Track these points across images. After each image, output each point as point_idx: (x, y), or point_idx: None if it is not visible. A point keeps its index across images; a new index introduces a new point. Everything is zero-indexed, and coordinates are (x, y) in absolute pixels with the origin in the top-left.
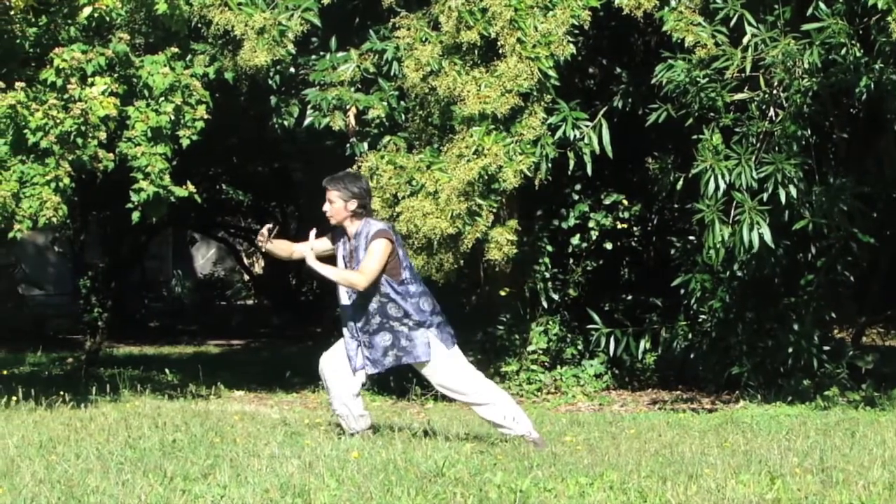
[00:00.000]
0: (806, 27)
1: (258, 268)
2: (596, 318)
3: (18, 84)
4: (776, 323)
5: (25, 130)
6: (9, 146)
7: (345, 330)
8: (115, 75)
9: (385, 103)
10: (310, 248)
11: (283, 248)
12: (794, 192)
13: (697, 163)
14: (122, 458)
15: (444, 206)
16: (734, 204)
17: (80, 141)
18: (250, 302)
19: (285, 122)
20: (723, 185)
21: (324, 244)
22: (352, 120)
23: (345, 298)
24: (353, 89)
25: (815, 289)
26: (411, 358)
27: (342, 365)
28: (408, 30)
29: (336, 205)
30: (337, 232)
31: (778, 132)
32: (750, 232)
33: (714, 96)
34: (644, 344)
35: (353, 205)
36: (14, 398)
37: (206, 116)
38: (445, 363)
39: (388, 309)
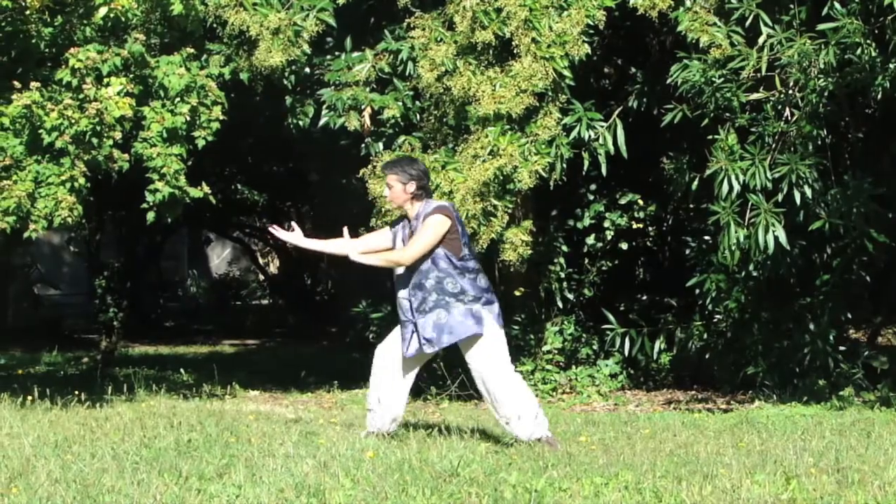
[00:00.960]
0: (821, 27)
1: (273, 268)
2: (611, 318)
3: (34, 84)
4: (792, 323)
5: (41, 130)
6: (24, 146)
7: (400, 314)
8: (131, 76)
9: (400, 103)
10: (352, 247)
11: (317, 246)
12: (809, 192)
13: (711, 163)
14: (137, 457)
15: (459, 206)
16: (749, 205)
17: (95, 141)
18: (265, 302)
19: (300, 122)
20: (737, 186)
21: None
22: (367, 120)
23: (401, 282)
24: (368, 89)
25: (830, 289)
26: (466, 332)
27: (394, 360)
28: (423, 30)
29: (395, 189)
30: (395, 221)
31: (793, 132)
32: (765, 234)
33: (729, 96)
34: (659, 344)
35: (412, 187)
36: (30, 398)
37: (221, 117)
38: (492, 343)
39: (445, 285)
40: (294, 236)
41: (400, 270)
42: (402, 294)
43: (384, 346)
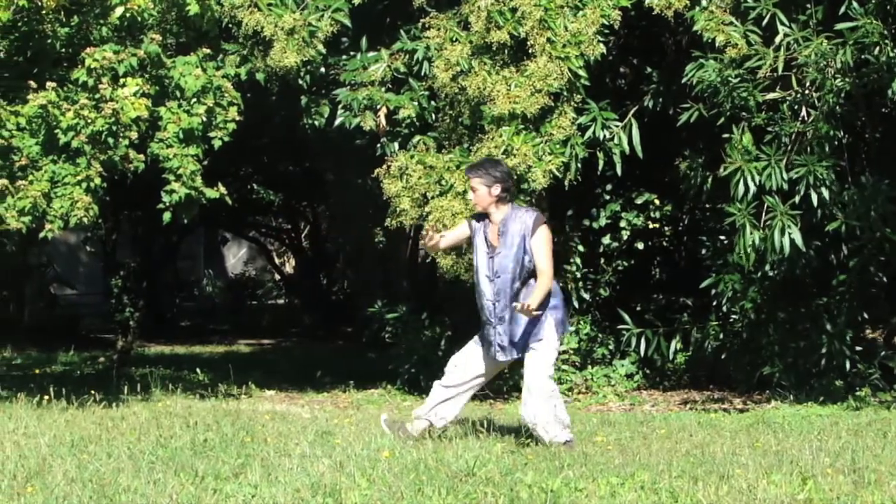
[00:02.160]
0: (839, 26)
1: (289, 267)
2: (626, 318)
3: (50, 84)
4: (808, 323)
5: (57, 130)
6: (40, 146)
7: (483, 317)
8: (147, 76)
9: (416, 103)
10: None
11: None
12: (826, 194)
13: (727, 164)
14: (153, 457)
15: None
16: (765, 207)
17: (111, 141)
18: (281, 301)
19: (316, 122)
20: (753, 187)
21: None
22: (382, 120)
23: (486, 284)
24: (383, 89)
25: (847, 289)
26: (536, 339)
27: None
28: (438, 30)
29: (480, 192)
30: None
31: (810, 133)
32: (782, 236)
33: (745, 96)
34: (675, 344)
35: (497, 189)
36: (46, 397)
37: (237, 118)
38: (549, 348)
39: (531, 291)
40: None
41: (483, 273)
42: (488, 298)
43: (461, 359)
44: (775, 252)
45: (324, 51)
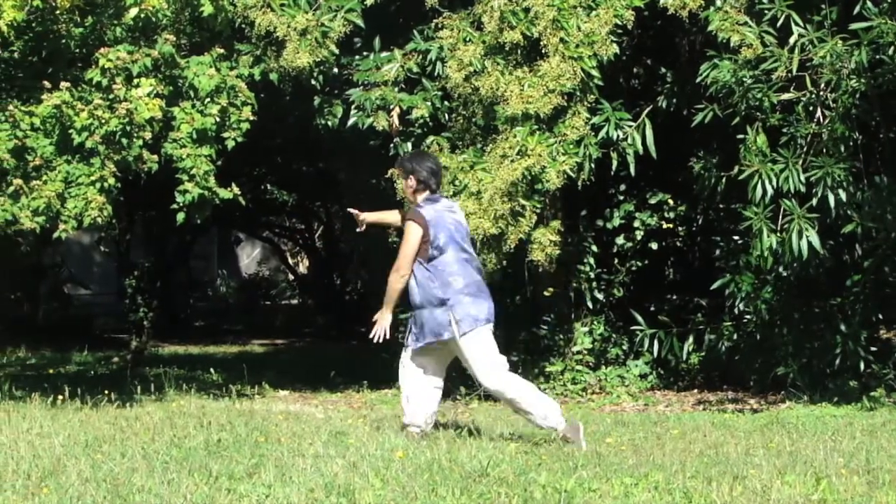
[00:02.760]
0: (853, 27)
1: (303, 268)
2: (640, 319)
3: (63, 84)
4: (822, 323)
5: (71, 130)
6: (54, 146)
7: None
8: (161, 76)
9: (429, 103)
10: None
11: (382, 218)
12: (843, 195)
13: (744, 166)
14: (167, 457)
15: (488, 206)
16: (782, 210)
17: (124, 141)
18: (295, 302)
19: (329, 123)
20: (770, 190)
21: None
22: (395, 120)
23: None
24: (396, 89)
25: (861, 289)
26: (439, 335)
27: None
28: (451, 30)
29: (403, 183)
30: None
31: (825, 134)
32: (799, 239)
33: (760, 96)
34: (688, 345)
35: (411, 182)
36: (60, 397)
37: (251, 118)
38: (468, 343)
39: (416, 288)
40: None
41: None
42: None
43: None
44: (793, 255)
45: (336, 51)
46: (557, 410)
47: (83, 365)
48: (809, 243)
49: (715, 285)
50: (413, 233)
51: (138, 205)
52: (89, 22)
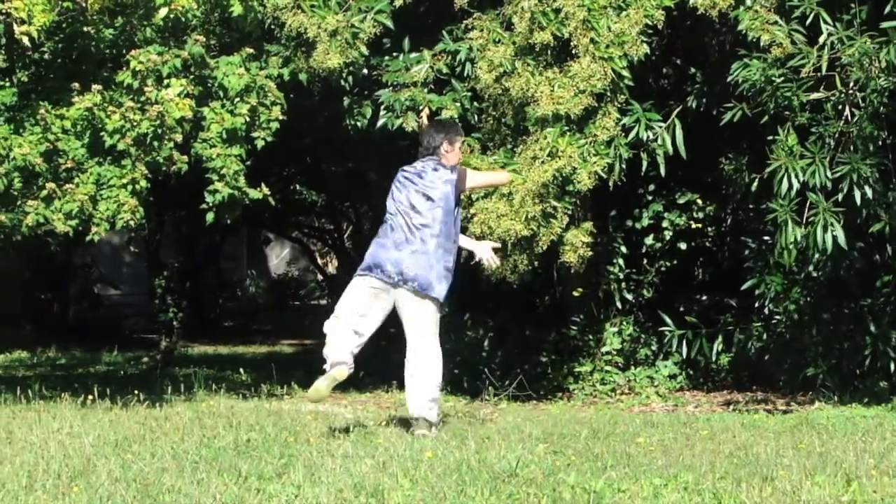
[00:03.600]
0: (883, 25)
1: (332, 268)
2: (668, 320)
3: (95, 87)
4: (852, 324)
5: (102, 133)
6: (85, 148)
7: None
8: (191, 77)
9: (458, 104)
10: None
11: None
12: (869, 192)
13: (771, 162)
14: (196, 457)
15: (519, 207)
16: (808, 204)
17: (156, 143)
18: (324, 302)
19: (358, 124)
20: (796, 185)
21: None
22: (425, 121)
23: None
24: (426, 90)
25: (891, 290)
26: None
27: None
28: (481, 31)
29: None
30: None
31: (854, 132)
32: (824, 233)
33: (790, 96)
34: (717, 345)
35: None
36: (90, 397)
37: (280, 117)
38: None
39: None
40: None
41: None
42: None
43: None
44: (817, 249)
45: (366, 52)
46: (333, 357)
47: (113, 365)
48: (834, 238)
49: (745, 286)
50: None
51: (168, 205)
52: (119, 23)
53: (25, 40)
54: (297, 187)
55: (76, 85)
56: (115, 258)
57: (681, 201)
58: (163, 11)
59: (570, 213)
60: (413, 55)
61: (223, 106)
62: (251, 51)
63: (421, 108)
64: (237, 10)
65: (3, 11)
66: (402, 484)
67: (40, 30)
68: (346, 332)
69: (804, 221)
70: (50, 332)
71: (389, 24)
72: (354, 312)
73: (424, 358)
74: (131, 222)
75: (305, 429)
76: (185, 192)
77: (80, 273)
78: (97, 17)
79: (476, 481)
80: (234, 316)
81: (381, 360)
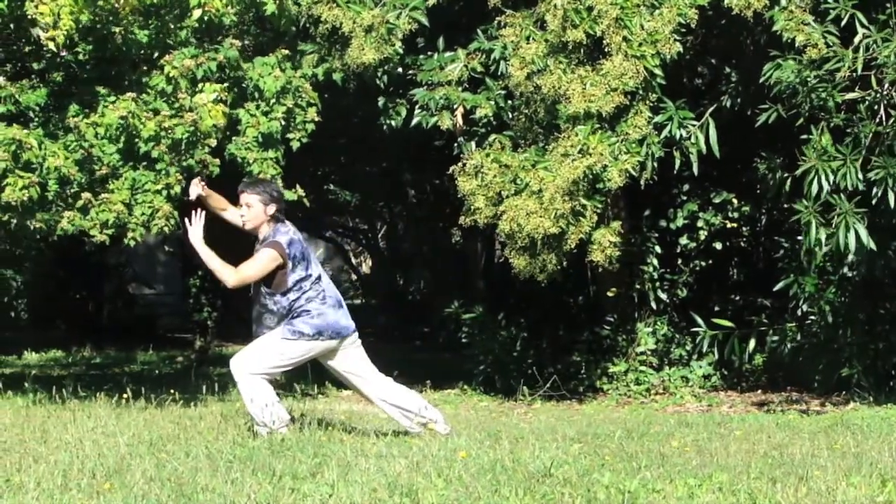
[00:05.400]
0: None
1: (366, 267)
2: (699, 321)
3: (129, 94)
4: (887, 325)
5: (137, 140)
6: (120, 154)
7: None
8: (225, 80)
9: (492, 102)
10: (201, 229)
11: (219, 203)
12: None
13: (802, 161)
14: (230, 456)
15: (548, 205)
16: (832, 204)
17: (191, 150)
18: (357, 301)
19: (393, 123)
20: (826, 186)
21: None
22: (459, 119)
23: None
24: (460, 88)
25: None
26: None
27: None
28: (514, 28)
29: (255, 209)
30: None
31: (890, 133)
32: (846, 233)
33: (824, 96)
34: (750, 345)
35: (271, 209)
36: (125, 396)
37: (316, 118)
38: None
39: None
40: (194, 231)
41: None
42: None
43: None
44: (840, 250)
45: (401, 49)
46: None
47: (147, 364)
48: (858, 237)
49: (778, 286)
50: (268, 254)
51: (202, 205)
52: (153, 25)
53: (52, 45)
54: (332, 187)
55: (107, 90)
56: (150, 258)
57: (716, 201)
58: (197, 13)
59: (599, 211)
60: (447, 54)
61: (258, 108)
62: (286, 52)
63: (455, 106)
64: (271, 8)
65: (30, 17)
66: (436, 483)
67: (67, 34)
68: None
69: (830, 222)
70: (84, 332)
71: (424, 20)
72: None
73: None
74: (165, 228)
75: (339, 428)
76: (219, 189)
77: (114, 273)
78: (131, 19)
79: (510, 481)
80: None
81: (416, 361)
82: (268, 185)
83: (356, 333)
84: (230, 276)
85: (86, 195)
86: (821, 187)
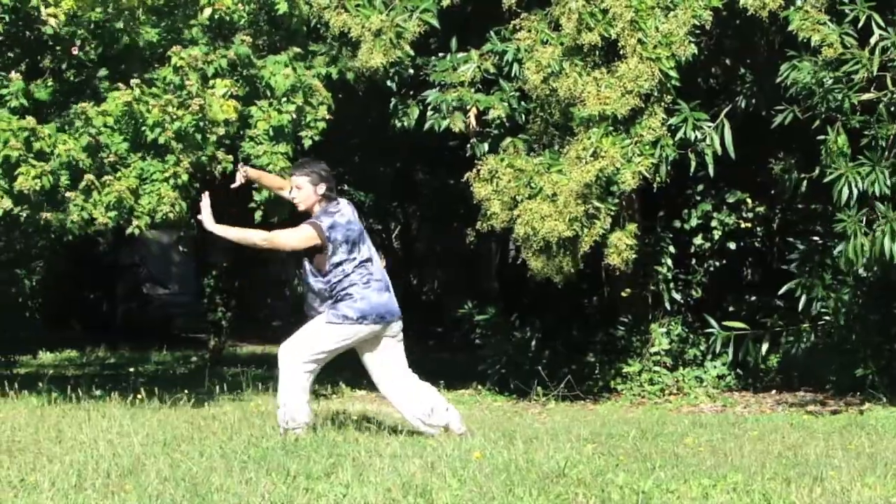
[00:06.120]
0: None
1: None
2: (713, 322)
3: (133, 81)
4: None
5: (143, 127)
6: (128, 143)
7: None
8: (237, 77)
9: (506, 104)
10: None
11: (274, 182)
12: None
13: (830, 170)
14: (245, 456)
15: (562, 208)
16: (868, 213)
17: (198, 137)
18: None
19: (404, 124)
20: (856, 192)
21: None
22: (472, 121)
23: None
24: (472, 90)
25: None
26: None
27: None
28: (528, 31)
29: (305, 190)
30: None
31: None
32: (892, 242)
33: (841, 98)
34: (763, 346)
35: (321, 188)
36: (139, 396)
37: (327, 117)
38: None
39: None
40: (206, 216)
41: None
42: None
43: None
44: (884, 258)
45: (411, 52)
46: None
47: (162, 364)
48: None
49: (783, 289)
50: (304, 230)
51: (216, 204)
52: (163, 23)
53: (52, 22)
54: (346, 187)
55: (120, 85)
56: (164, 258)
57: (730, 200)
58: (207, 11)
59: (613, 214)
60: (460, 55)
61: (270, 104)
62: (298, 50)
63: (468, 107)
64: (282, 7)
65: None
66: (451, 483)
67: (66, 13)
68: None
69: (867, 230)
70: (99, 332)
71: (435, 23)
72: None
73: None
74: (171, 215)
75: (353, 428)
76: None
77: (128, 273)
78: (141, 17)
79: (524, 481)
80: (282, 315)
81: (431, 361)
82: (316, 164)
83: (400, 323)
84: (258, 235)
85: (89, 177)
86: (851, 193)
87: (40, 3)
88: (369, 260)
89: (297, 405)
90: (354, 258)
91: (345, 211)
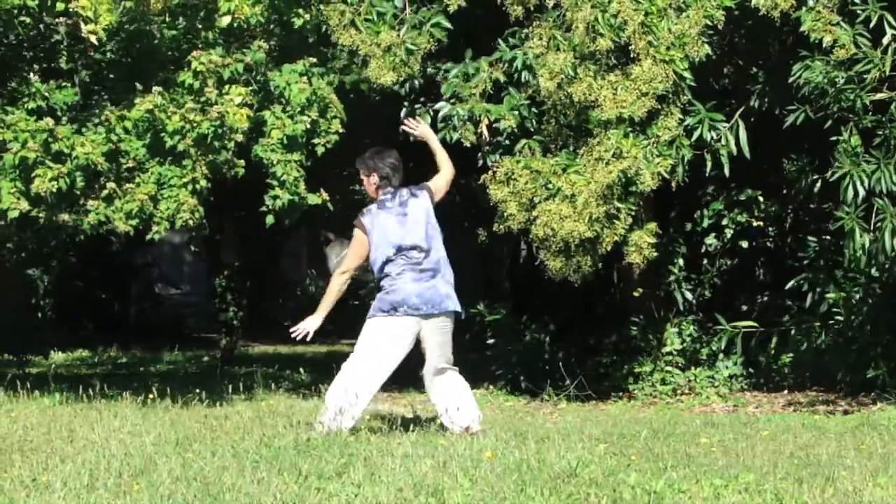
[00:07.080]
0: None
1: None
2: (723, 322)
3: (156, 88)
4: None
5: (163, 134)
6: (147, 148)
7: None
8: (252, 84)
9: (516, 112)
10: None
11: (433, 142)
12: None
13: (836, 167)
14: (256, 456)
15: (582, 209)
16: (874, 210)
17: (216, 144)
18: None
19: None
20: (862, 191)
21: None
22: (485, 132)
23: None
24: (483, 100)
25: None
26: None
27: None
28: (539, 39)
29: (366, 183)
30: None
31: None
32: (892, 238)
33: (853, 98)
34: (774, 345)
35: (374, 178)
36: (151, 396)
37: (340, 130)
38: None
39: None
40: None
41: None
42: None
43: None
44: (885, 254)
45: (420, 69)
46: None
47: (173, 364)
48: None
49: (789, 285)
50: (355, 241)
51: (228, 205)
52: (181, 25)
53: (93, 38)
54: (358, 187)
55: (138, 85)
56: (176, 258)
57: (742, 198)
58: (226, 19)
59: (633, 213)
60: (470, 62)
61: (284, 111)
62: (313, 59)
63: (479, 117)
64: (299, 22)
65: (70, 11)
66: (462, 483)
67: (106, 29)
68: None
69: (872, 227)
70: (111, 332)
71: (444, 39)
72: None
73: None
74: (190, 221)
75: (365, 428)
76: (245, 192)
77: (140, 273)
78: (160, 19)
79: (536, 481)
80: (294, 315)
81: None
82: (368, 156)
83: (446, 318)
84: (338, 280)
85: (111, 185)
86: (856, 192)
87: (80, 20)
88: (415, 248)
89: (336, 409)
90: (392, 248)
91: (388, 199)
